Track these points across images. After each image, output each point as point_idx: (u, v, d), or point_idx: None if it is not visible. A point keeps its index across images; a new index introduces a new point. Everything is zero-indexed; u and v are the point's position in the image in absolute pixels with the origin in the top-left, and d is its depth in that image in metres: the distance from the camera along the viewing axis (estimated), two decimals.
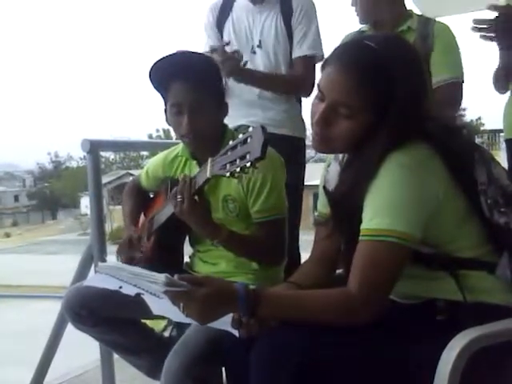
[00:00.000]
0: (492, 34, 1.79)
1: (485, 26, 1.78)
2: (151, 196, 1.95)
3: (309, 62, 2.21)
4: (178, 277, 1.07)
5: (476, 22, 1.78)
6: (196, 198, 1.44)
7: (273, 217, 1.59)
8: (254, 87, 2.22)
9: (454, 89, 2.17)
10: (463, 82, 2.20)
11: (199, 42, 2.42)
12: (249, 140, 1.17)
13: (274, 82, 2.24)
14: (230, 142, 1.24)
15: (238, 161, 1.19)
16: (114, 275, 1.25)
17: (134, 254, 1.68)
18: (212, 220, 1.53)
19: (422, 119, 1.17)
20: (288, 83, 2.27)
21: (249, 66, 2.26)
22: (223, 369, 1.40)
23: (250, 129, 1.18)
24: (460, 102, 2.22)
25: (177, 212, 1.46)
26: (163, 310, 1.10)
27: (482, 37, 1.81)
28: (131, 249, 1.69)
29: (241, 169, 1.18)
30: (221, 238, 1.50)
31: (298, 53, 2.24)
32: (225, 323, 1.13)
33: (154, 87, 1.60)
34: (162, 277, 1.06)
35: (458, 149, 1.17)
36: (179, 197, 1.43)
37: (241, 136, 1.20)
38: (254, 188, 1.57)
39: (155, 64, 1.54)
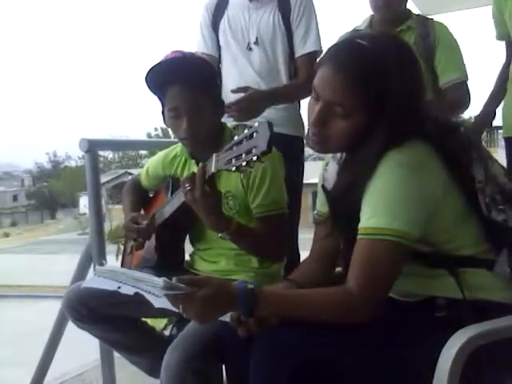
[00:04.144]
0: None
1: None
2: (150, 196, 1.95)
3: (312, 59, 2.21)
4: (177, 279, 1.07)
5: None
6: (206, 187, 1.39)
7: (273, 211, 1.59)
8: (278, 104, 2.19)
9: (463, 88, 2.21)
10: (468, 80, 2.23)
11: (196, 41, 2.42)
12: (255, 135, 1.17)
13: (282, 94, 2.20)
14: (236, 138, 1.24)
15: (243, 155, 1.18)
16: (112, 278, 1.26)
17: (141, 228, 1.67)
18: (222, 211, 1.48)
19: (419, 117, 1.17)
20: (294, 91, 2.24)
21: (245, 62, 2.26)
22: (223, 366, 1.41)
23: (255, 124, 1.18)
24: (469, 101, 2.25)
25: (187, 200, 1.40)
26: (164, 303, 1.10)
27: None
28: (138, 225, 1.68)
29: (247, 163, 1.18)
30: (230, 230, 1.46)
31: (301, 51, 2.23)
32: (225, 315, 1.14)
33: (151, 91, 1.60)
34: (160, 281, 1.06)
35: (456, 147, 1.17)
36: (187, 185, 1.38)
37: (246, 131, 1.20)
38: (253, 183, 1.58)
39: (151, 69, 1.54)
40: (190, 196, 1.38)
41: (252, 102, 1.98)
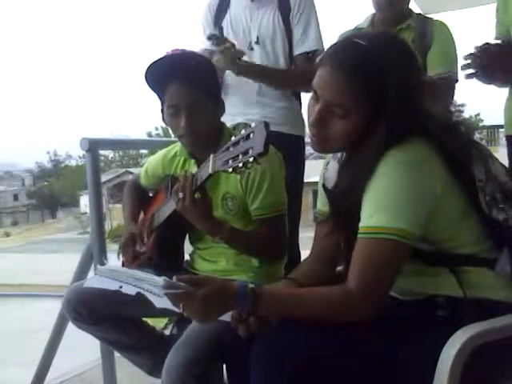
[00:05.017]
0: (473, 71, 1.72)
1: (468, 62, 1.69)
2: (150, 195, 1.95)
3: (309, 57, 2.21)
4: (177, 278, 1.07)
5: (464, 57, 1.71)
6: (197, 194, 1.43)
7: (272, 214, 1.59)
8: (253, 80, 2.21)
9: (446, 83, 2.18)
10: (457, 80, 2.21)
11: (197, 40, 2.42)
12: (251, 136, 1.17)
13: (273, 75, 2.23)
14: (233, 138, 1.24)
15: (240, 156, 1.19)
16: (114, 277, 1.26)
17: (138, 251, 1.68)
18: (213, 217, 1.51)
19: (419, 116, 1.16)
20: (287, 76, 2.27)
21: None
22: (224, 365, 1.41)
23: (253, 124, 1.18)
24: (450, 98, 2.23)
25: (178, 208, 1.45)
26: (165, 303, 1.10)
27: (466, 76, 1.75)
28: (134, 246, 1.69)
29: (243, 164, 1.18)
30: (222, 235, 1.49)
31: (298, 50, 2.24)
32: (226, 315, 1.14)
33: (151, 88, 1.60)
34: (160, 280, 1.06)
35: (456, 146, 1.17)
36: (181, 193, 1.42)
37: (243, 132, 1.20)
38: (252, 185, 1.57)
39: (150, 66, 1.54)
40: (180, 205, 1.44)
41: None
